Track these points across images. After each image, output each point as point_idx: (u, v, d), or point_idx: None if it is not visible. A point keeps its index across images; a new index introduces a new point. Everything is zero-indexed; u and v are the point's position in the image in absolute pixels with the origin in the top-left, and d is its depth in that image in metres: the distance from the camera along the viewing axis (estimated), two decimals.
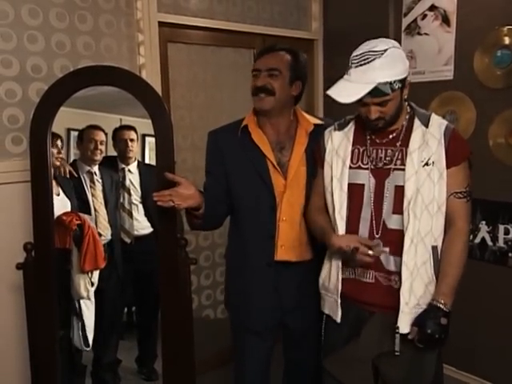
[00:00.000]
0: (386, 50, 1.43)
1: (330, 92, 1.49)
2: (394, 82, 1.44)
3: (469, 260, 2.47)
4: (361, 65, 1.44)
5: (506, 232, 2.39)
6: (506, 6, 2.32)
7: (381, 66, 1.42)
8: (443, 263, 1.52)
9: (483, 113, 2.43)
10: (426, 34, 2.63)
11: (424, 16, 2.63)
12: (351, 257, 1.51)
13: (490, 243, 2.46)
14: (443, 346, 1.51)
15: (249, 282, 1.77)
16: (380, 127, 1.53)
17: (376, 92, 1.43)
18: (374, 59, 1.42)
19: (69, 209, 2.00)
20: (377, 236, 1.54)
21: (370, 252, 1.50)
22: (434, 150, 1.49)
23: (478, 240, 2.50)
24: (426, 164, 1.49)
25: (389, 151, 1.55)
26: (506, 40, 2.33)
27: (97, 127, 2.07)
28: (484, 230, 2.47)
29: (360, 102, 1.47)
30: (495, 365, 2.48)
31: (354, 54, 1.47)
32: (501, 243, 2.42)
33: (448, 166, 1.49)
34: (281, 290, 1.76)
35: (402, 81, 1.48)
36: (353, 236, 1.55)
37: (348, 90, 1.46)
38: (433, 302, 1.49)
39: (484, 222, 2.47)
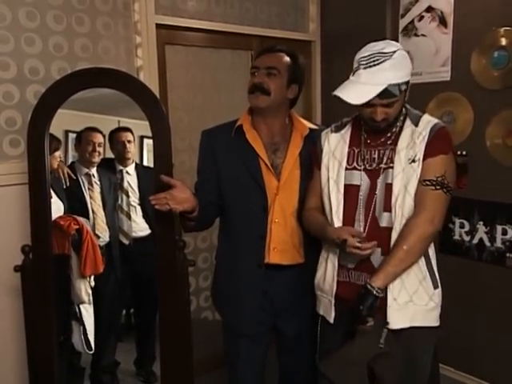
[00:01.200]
0: (394, 52, 1.45)
1: (338, 93, 1.47)
2: (402, 83, 1.46)
3: (466, 260, 2.51)
4: (370, 66, 1.44)
5: (504, 232, 2.40)
6: (502, 8, 2.33)
7: (390, 67, 1.43)
8: (393, 245, 1.48)
9: (480, 114, 2.43)
10: (423, 35, 2.64)
11: (421, 17, 2.63)
12: (342, 248, 1.51)
13: (487, 244, 2.46)
14: (357, 318, 1.47)
15: (239, 284, 1.76)
16: (381, 128, 1.54)
17: (385, 94, 1.44)
18: (384, 61, 1.43)
19: (62, 211, 1.99)
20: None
21: (358, 244, 1.47)
22: (418, 146, 1.50)
23: (475, 240, 2.50)
24: (413, 161, 1.49)
25: (381, 151, 1.57)
26: (503, 41, 2.34)
27: (95, 129, 2.07)
28: (482, 231, 2.48)
29: (366, 104, 1.47)
30: (493, 365, 2.48)
31: (362, 55, 1.47)
32: (498, 244, 2.42)
33: (424, 158, 1.49)
34: (272, 293, 1.74)
35: (407, 83, 1.49)
36: (346, 228, 1.54)
37: (358, 92, 1.45)
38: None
39: (482, 223, 2.47)
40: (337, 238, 1.51)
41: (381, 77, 1.43)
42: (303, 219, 1.71)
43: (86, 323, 2.05)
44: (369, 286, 1.45)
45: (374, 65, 1.43)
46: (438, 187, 1.48)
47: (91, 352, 2.08)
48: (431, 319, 1.57)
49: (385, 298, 1.50)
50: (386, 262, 1.47)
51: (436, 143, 1.50)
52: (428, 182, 1.48)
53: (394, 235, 1.50)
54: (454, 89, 2.52)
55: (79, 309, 2.05)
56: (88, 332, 2.06)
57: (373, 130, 1.57)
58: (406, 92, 1.50)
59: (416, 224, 1.46)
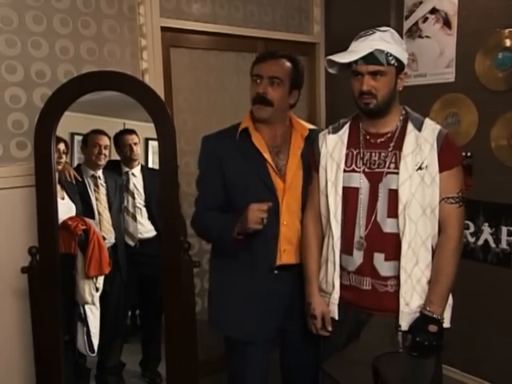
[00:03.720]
0: (387, 30, 1.52)
1: (328, 57, 1.53)
2: (390, 55, 1.48)
3: (471, 262, 2.50)
4: (361, 36, 1.52)
5: (509, 234, 2.39)
6: (506, 9, 2.32)
7: (380, 37, 1.49)
8: (433, 270, 1.53)
9: (485, 115, 2.43)
10: (427, 36, 2.64)
11: (425, 19, 2.63)
12: (308, 313, 1.67)
13: (492, 245, 2.45)
14: (437, 352, 1.52)
15: (251, 291, 1.73)
16: (372, 110, 1.53)
17: (371, 58, 1.47)
18: (374, 33, 1.50)
19: (74, 213, 2.02)
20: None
21: (319, 327, 1.64)
22: (427, 154, 1.50)
23: (480, 242, 2.50)
24: (420, 168, 1.50)
25: (382, 154, 1.56)
26: (507, 42, 2.33)
27: (101, 132, 2.09)
28: (487, 232, 2.47)
29: (354, 74, 1.51)
30: (499, 367, 2.47)
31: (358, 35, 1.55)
32: (504, 245, 2.41)
33: (440, 171, 1.50)
34: (280, 295, 1.74)
35: (399, 62, 1.51)
36: (323, 306, 1.63)
37: (346, 55, 1.52)
38: (422, 310, 1.51)
39: (487, 224, 2.47)
40: (311, 307, 1.63)
41: (369, 44, 1.48)
42: (301, 237, 1.72)
43: (90, 325, 2.06)
44: (441, 320, 1.49)
45: (365, 36, 1.51)
46: (461, 203, 1.53)
47: (93, 355, 2.08)
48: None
49: (397, 303, 1.51)
50: (441, 292, 1.51)
51: (449, 153, 1.51)
52: (452, 200, 1.52)
53: (405, 244, 1.49)
54: (458, 90, 2.52)
55: (84, 310, 2.05)
56: (92, 334, 2.06)
57: (365, 113, 1.56)
58: (396, 74, 1.51)
59: (453, 249, 1.52)
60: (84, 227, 1.98)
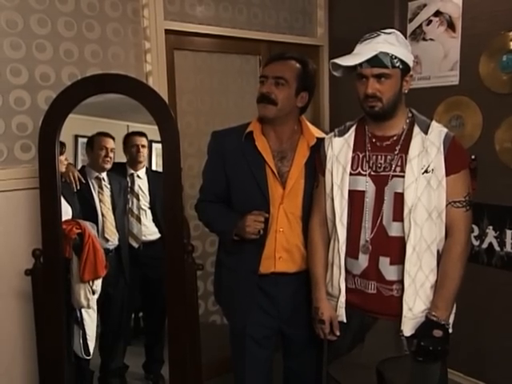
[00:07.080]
0: (392, 32, 1.51)
1: (333, 60, 1.53)
2: (395, 58, 1.48)
3: (476, 265, 2.50)
4: (366, 39, 1.51)
5: None
6: (510, 12, 2.32)
7: (384, 40, 1.48)
8: (439, 274, 1.52)
9: (489, 117, 2.42)
10: (431, 39, 2.64)
11: (429, 22, 2.63)
12: (315, 316, 1.66)
13: (497, 248, 2.44)
14: (443, 357, 1.50)
15: (239, 288, 1.77)
16: (377, 113, 1.52)
17: (376, 61, 1.46)
18: (379, 35, 1.50)
19: (70, 215, 2.00)
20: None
21: (327, 332, 1.63)
22: (433, 158, 1.49)
23: (485, 245, 2.49)
24: (426, 171, 1.48)
25: (388, 157, 1.55)
26: None
27: (107, 134, 2.09)
28: (491, 235, 2.46)
29: (359, 77, 1.51)
30: (503, 370, 2.46)
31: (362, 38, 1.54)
32: (508, 248, 2.40)
33: (447, 174, 1.49)
34: (277, 299, 1.76)
35: (404, 64, 1.50)
36: (333, 312, 1.62)
37: (350, 57, 1.51)
38: (428, 315, 1.50)
39: (491, 227, 2.46)
40: (320, 312, 1.62)
41: (373, 46, 1.48)
42: (308, 242, 1.72)
43: (86, 328, 2.05)
44: (446, 325, 1.48)
45: (370, 39, 1.50)
46: (468, 207, 1.52)
47: (89, 357, 2.08)
48: None
49: (400, 307, 1.50)
50: (447, 297, 1.50)
51: (456, 156, 1.50)
52: (459, 204, 1.51)
53: (409, 247, 1.48)
54: (462, 93, 2.51)
55: (80, 313, 2.05)
56: (88, 337, 2.06)
57: (371, 116, 1.55)
58: (402, 77, 1.51)
59: (460, 253, 1.52)
60: (79, 231, 1.96)
